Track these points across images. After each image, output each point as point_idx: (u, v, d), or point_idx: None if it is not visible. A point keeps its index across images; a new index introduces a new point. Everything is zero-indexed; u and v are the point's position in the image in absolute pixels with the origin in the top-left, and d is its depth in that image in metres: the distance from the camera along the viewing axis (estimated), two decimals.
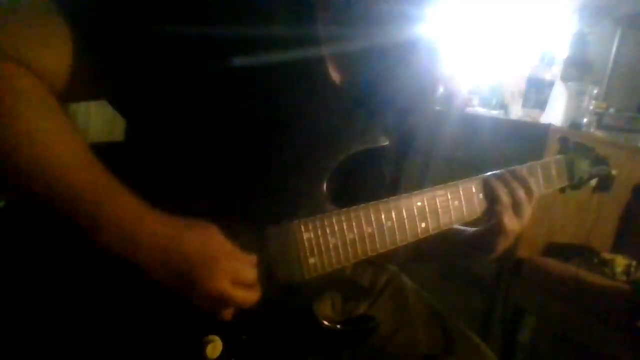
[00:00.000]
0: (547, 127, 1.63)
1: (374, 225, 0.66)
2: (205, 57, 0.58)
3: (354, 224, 0.65)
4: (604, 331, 1.39)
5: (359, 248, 0.66)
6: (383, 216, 0.67)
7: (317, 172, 0.65)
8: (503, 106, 2.24)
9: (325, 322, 0.67)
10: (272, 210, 0.62)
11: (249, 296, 0.59)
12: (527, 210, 0.76)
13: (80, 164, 0.53)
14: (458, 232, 0.81)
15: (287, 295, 0.64)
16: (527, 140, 1.66)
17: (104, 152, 0.55)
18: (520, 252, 1.67)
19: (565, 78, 2.13)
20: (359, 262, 0.67)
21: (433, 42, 0.66)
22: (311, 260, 0.63)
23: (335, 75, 0.67)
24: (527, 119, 1.87)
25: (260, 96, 0.60)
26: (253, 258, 0.60)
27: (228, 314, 0.59)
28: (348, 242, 0.65)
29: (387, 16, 0.63)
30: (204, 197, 0.59)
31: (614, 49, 2.30)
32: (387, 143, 0.67)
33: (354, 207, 0.65)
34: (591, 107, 1.88)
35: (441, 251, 0.85)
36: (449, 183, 0.73)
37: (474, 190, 0.75)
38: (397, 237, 0.68)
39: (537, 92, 1.85)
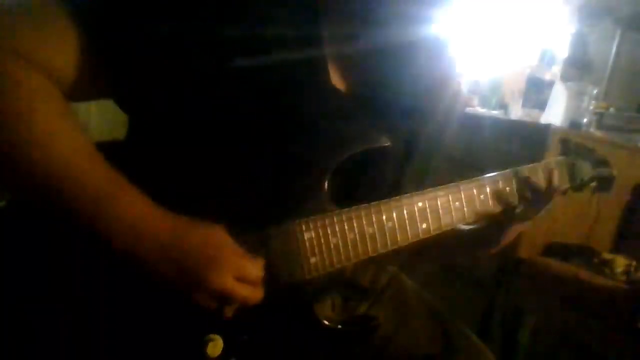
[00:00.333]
0: (547, 127, 1.64)
1: (375, 226, 0.66)
2: (206, 58, 0.58)
3: (355, 224, 0.65)
4: (604, 331, 1.39)
5: (360, 248, 0.66)
6: (384, 216, 0.67)
7: (318, 172, 0.65)
8: (503, 106, 2.24)
9: (326, 322, 0.67)
10: (273, 210, 0.62)
11: (253, 294, 0.59)
12: (529, 212, 0.77)
13: (90, 162, 0.54)
14: (458, 231, 0.81)
15: (288, 294, 0.64)
16: (527, 140, 1.66)
17: (105, 150, 0.55)
18: (520, 252, 1.67)
19: (565, 78, 2.14)
20: (360, 262, 0.67)
21: (436, 43, 0.66)
22: (312, 260, 0.63)
23: (337, 76, 0.67)
24: (527, 119, 1.87)
25: (261, 97, 0.60)
26: (257, 257, 0.60)
27: (230, 312, 0.59)
28: (349, 242, 0.65)
29: (390, 17, 0.63)
30: (205, 197, 0.59)
31: (614, 49, 2.30)
32: (388, 144, 0.67)
33: (355, 207, 0.65)
34: (591, 107, 1.88)
35: (441, 250, 0.85)
36: (450, 184, 0.73)
37: (475, 191, 0.75)
38: (398, 237, 0.68)
39: (537, 92, 1.86)
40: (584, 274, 1.52)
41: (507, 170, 0.78)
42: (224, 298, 0.57)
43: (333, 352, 0.70)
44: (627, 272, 1.55)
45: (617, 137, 1.96)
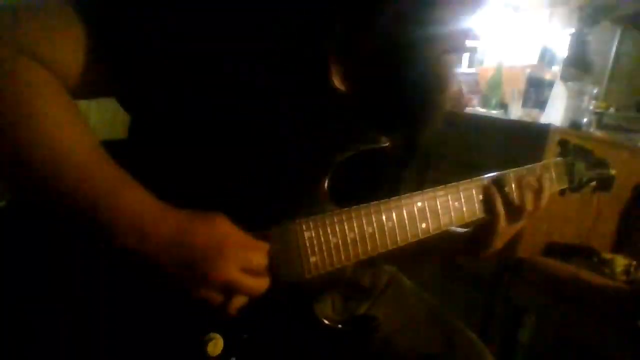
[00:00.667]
0: (547, 127, 1.63)
1: (375, 225, 0.66)
2: (207, 58, 0.58)
3: (354, 223, 0.65)
4: (604, 331, 1.39)
5: (360, 248, 0.66)
6: (384, 216, 0.67)
7: (318, 172, 0.65)
8: (503, 106, 2.24)
9: (326, 322, 0.67)
10: (273, 210, 0.62)
11: (258, 284, 0.59)
12: (523, 215, 0.77)
13: (94, 159, 0.54)
14: (455, 231, 0.81)
15: (288, 294, 0.64)
16: (527, 140, 1.66)
17: (106, 149, 0.55)
18: (520, 252, 1.67)
19: (565, 78, 2.14)
20: (360, 261, 0.67)
21: (436, 43, 0.66)
22: (312, 260, 0.63)
23: (338, 76, 0.68)
24: (527, 119, 1.87)
25: (261, 97, 0.60)
26: (262, 245, 0.60)
27: (237, 303, 0.59)
28: (349, 241, 0.65)
29: (390, 18, 0.63)
30: (205, 196, 0.59)
31: (614, 49, 2.30)
32: (388, 144, 0.67)
33: (355, 207, 0.65)
34: (591, 107, 1.89)
35: (440, 250, 0.85)
36: (449, 184, 0.73)
37: (474, 191, 0.75)
38: (398, 237, 0.68)
39: (537, 92, 1.86)
40: (584, 274, 1.52)
41: (503, 172, 0.78)
42: (230, 290, 0.57)
43: (333, 352, 0.70)
44: (627, 272, 1.55)
45: (617, 137, 1.96)
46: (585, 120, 1.83)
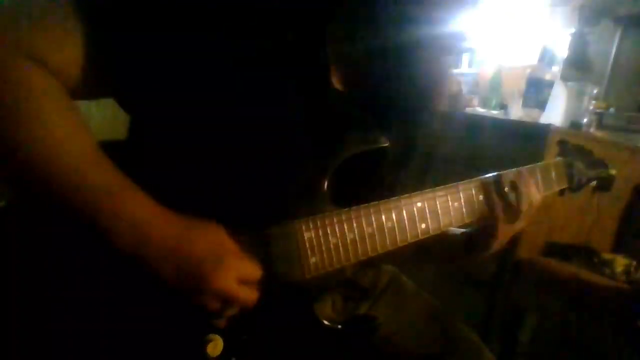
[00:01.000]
0: (547, 127, 1.63)
1: (374, 226, 0.66)
2: (207, 58, 0.58)
3: (354, 224, 0.65)
4: (604, 331, 1.39)
5: (359, 248, 0.66)
6: (383, 217, 0.67)
7: (318, 172, 0.65)
8: (503, 106, 2.24)
9: (326, 322, 0.68)
10: (273, 210, 0.62)
11: (252, 296, 0.59)
12: (521, 216, 0.77)
13: (95, 163, 0.54)
14: (455, 233, 0.81)
15: (288, 294, 0.64)
16: (527, 140, 1.66)
17: (106, 150, 0.55)
18: (520, 252, 1.67)
19: (565, 78, 2.13)
20: (360, 262, 0.67)
21: (436, 43, 0.66)
22: (312, 260, 0.63)
23: (338, 77, 0.68)
24: (527, 119, 1.86)
25: (261, 97, 0.60)
26: (257, 257, 0.60)
27: (230, 313, 0.59)
28: (348, 242, 0.65)
29: (390, 18, 0.63)
30: (205, 197, 0.59)
31: (614, 49, 2.30)
32: (387, 144, 0.67)
33: (355, 207, 0.65)
34: (591, 107, 1.88)
35: (439, 251, 0.85)
36: (449, 185, 0.73)
37: (473, 192, 0.75)
38: (397, 237, 0.68)
39: (537, 92, 1.85)
40: (584, 274, 1.52)
41: (503, 172, 0.78)
42: (226, 300, 0.57)
43: (333, 352, 0.70)
44: (627, 272, 1.55)
45: (617, 137, 1.96)
46: (585, 120, 1.83)
